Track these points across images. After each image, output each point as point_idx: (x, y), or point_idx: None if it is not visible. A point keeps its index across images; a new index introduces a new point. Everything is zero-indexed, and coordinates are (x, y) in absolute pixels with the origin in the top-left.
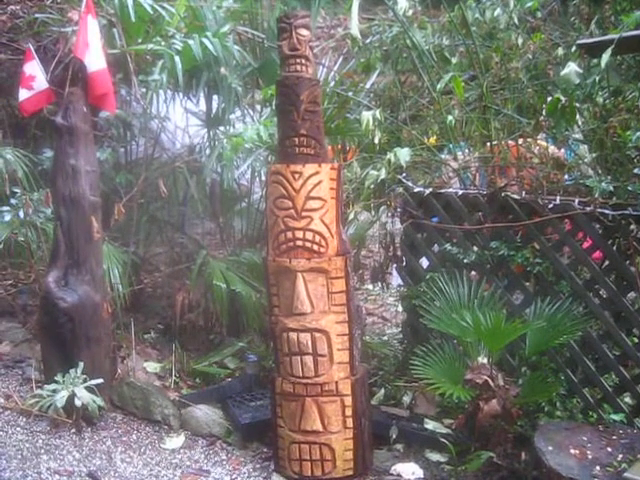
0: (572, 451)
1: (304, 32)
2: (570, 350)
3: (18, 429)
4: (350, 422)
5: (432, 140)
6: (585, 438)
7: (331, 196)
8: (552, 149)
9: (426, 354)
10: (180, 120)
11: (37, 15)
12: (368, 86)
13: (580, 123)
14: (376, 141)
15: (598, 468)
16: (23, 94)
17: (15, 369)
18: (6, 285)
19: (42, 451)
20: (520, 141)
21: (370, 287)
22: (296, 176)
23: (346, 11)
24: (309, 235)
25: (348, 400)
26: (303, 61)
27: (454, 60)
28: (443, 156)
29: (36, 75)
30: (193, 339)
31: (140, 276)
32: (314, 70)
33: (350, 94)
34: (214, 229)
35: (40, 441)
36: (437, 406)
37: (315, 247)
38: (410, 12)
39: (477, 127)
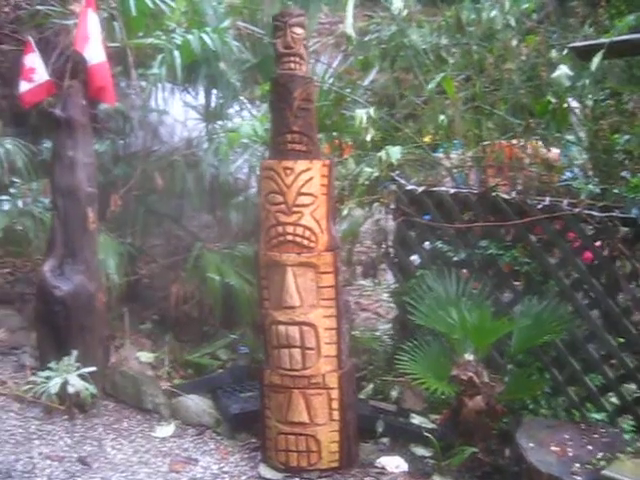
0: (553, 448)
1: (298, 30)
2: (556, 349)
3: (12, 414)
4: (336, 415)
5: (427, 139)
6: (567, 436)
7: (322, 192)
8: (546, 150)
9: (413, 349)
10: (179, 114)
11: (39, 7)
12: (366, 83)
13: (573, 125)
14: (368, 139)
15: (577, 465)
16: (23, 86)
17: (10, 356)
18: (4, 273)
19: (34, 436)
20: (514, 142)
21: (365, 283)
22: (288, 172)
23: (342, 9)
24: (299, 230)
25: (335, 393)
26: (297, 59)
27: (451, 60)
28: (437, 154)
29: (36, 67)
30: (187, 330)
31: (136, 267)
32: (308, 68)
33: (348, 91)
34: (211, 222)
35: (33, 427)
36: (424, 401)
37: (305, 242)
38: (405, 12)
39: (470, 127)
